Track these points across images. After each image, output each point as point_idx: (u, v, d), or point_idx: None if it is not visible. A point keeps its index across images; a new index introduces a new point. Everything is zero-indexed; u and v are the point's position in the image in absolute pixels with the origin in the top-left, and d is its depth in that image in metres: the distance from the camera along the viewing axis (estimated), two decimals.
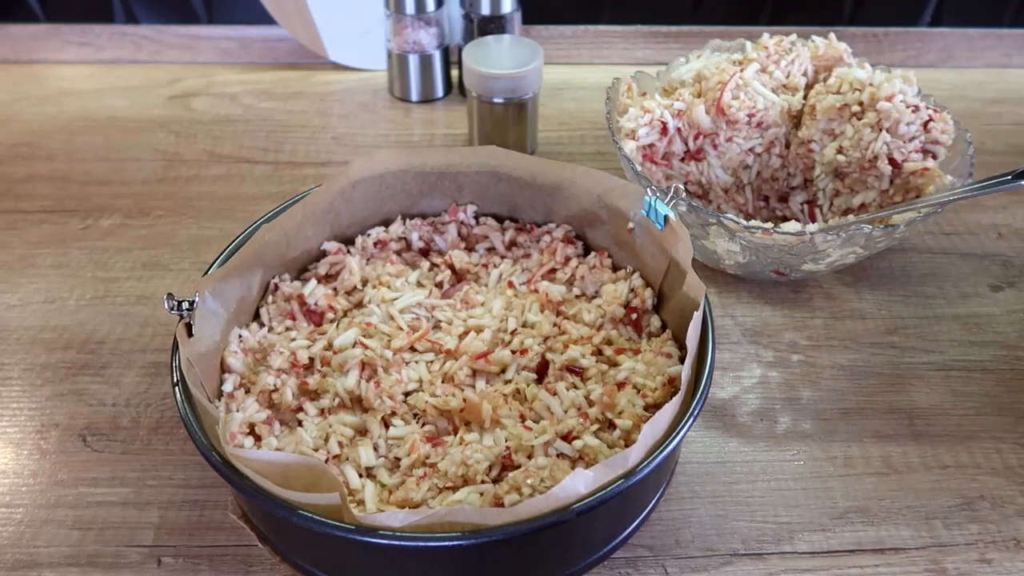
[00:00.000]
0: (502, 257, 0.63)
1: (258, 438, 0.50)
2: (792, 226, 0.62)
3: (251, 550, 0.50)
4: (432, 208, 0.65)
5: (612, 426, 0.51)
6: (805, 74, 0.74)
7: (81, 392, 0.60)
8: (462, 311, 0.59)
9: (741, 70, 0.71)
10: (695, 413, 0.45)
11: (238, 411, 0.50)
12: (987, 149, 0.86)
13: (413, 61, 0.93)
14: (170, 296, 0.49)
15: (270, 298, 0.59)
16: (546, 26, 1.02)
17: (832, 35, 0.76)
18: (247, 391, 0.53)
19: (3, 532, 0.51)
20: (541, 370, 0.55)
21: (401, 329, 0.57)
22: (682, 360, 0.52)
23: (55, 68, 1.01)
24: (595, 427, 0.50)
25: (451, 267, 0.62)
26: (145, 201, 0.79)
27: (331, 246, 0.62)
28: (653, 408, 0.51)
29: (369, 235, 0.63)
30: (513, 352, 0.55)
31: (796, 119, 0.73)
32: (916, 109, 0.67)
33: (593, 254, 0.62)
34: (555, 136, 0.90)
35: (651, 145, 0.70)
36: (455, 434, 0.51)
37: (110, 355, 0.63)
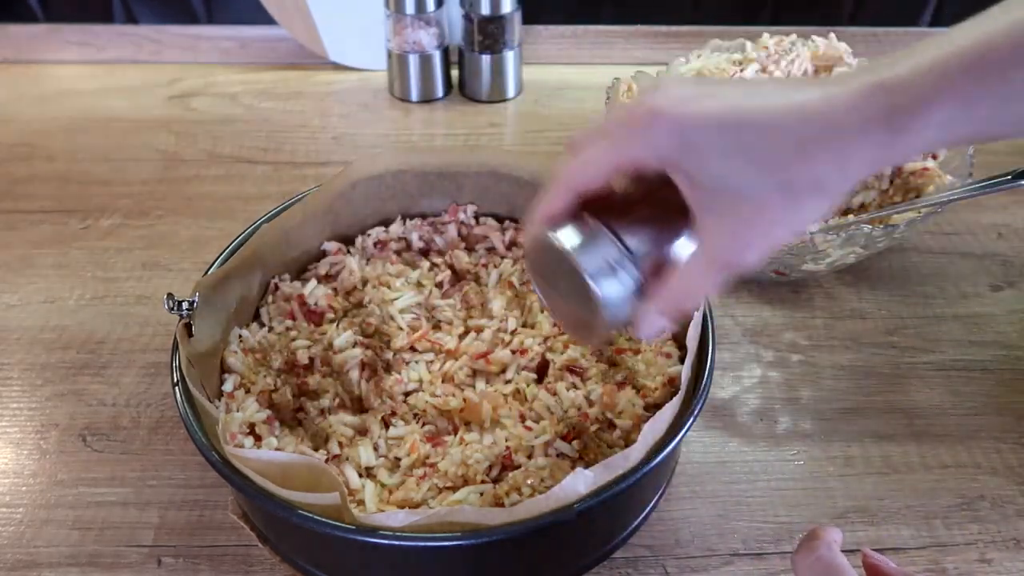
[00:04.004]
0: (502, 257, 0.63)
1: (258, 438, 0.50)
2: None
3: (251, 550, 0.50)
4: (432, 208, 0.65)
5: (612, 426, 0.51)
6: (805, 74, 0.74)
7: (81, 392, 0.60)
8: (462, 311, 0.59)
9: (741, 70, 0.71)
10: (695, 413, 0.45)
11: (238, 411, 0.50)
12: (987, 149, 0.86)
13: (413, 61, 0.93)
14: (170, 296, 0.49)
15: (270, 298, 0.59)
16: (546, 26, 1.02)
17: (832, 35, 0.76)
18: (247, 391, 0.53)
19: (3, 532, 0.51)
20: (541, 370, 0.55)
21: (401, 329, 0.57)
22: (682, 360, 0.52)
23: (55, 68, 1.01)
24: (595, 427, 0.50)
25: (451, 267, 0.62)
26: (145, 201, 0.79)
27: (331, 246, 0.62)
28: (653, 408, 0.51)
29: (369, 235, 0.63)
30: (513, 352, 0.55)
31: None
32: None
33: None
34: (555, 136, 0.90)
35: None
36: (455, 434, 0.51)
37: (110, 355, 0.63)
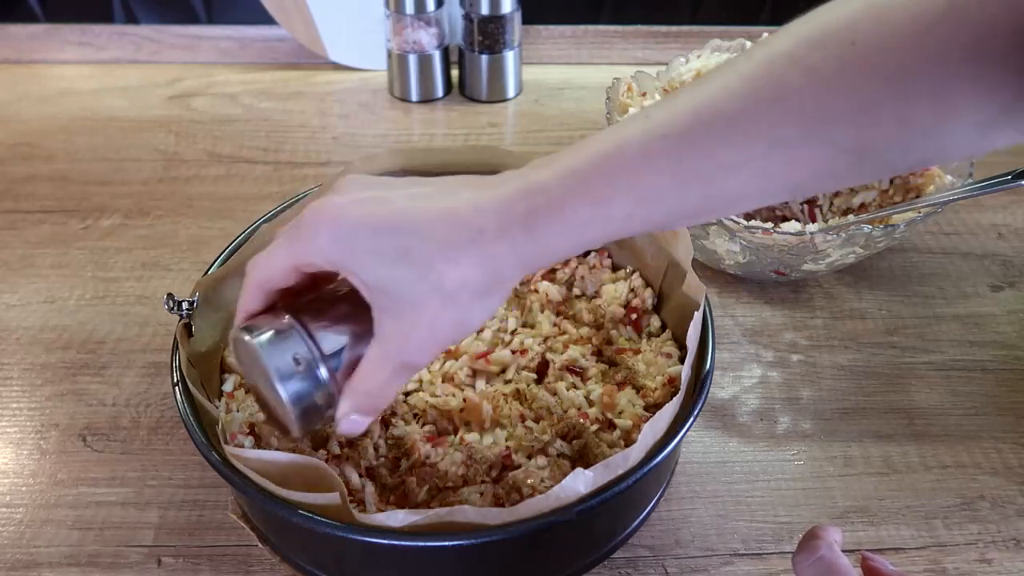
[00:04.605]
0: None
1: (258, 438, 0.50)
2: (792, 226, 0.62)
3: (251, 550, 0.50)
4: None
5: (612, 426, 0.51)
6: None
7: (81, 392, 0.60)
8: None
9: None
10: (695, 413, 0.45)
11: (238, 411, 0.50)
12: None
13: (413, 61, 0.93)
14: (170, 296, 0.49)
15: None
16: (546, 26, 1.02)
17: None
18: (247, 391, 0.53)
19: (3, 532, 0.51)
20: (541, 370, 0.55)
21: None
22: (682, 360, 0.52)
23: (55, 68, 1.01)
24: (595, 427, 0.50)
25: None
26: (145, 201, 0.79)
27: None
28: (653, 408, 0.51)
29: None
30: (513, 352, 0.55)
31: None
32: None
33: (593, 254, 0.62)
34: (555, 136, 0.90)
35: None
36: (455, 434, 0.51)
37: (110, 355, 0.63)
